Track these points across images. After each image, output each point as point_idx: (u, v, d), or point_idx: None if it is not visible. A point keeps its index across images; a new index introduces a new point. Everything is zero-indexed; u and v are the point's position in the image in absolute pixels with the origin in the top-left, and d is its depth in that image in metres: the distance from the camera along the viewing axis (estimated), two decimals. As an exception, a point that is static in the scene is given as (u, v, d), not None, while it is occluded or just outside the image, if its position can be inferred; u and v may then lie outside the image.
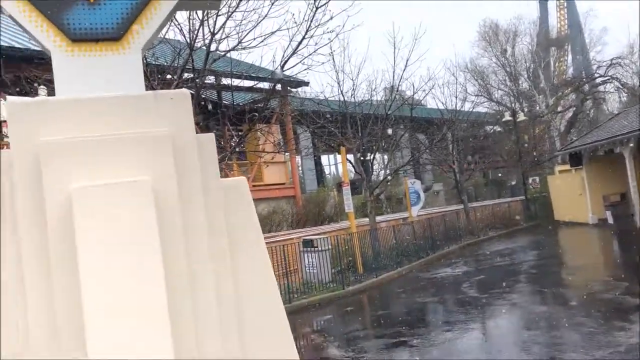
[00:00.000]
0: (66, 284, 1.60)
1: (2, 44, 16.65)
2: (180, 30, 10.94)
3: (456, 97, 26.78)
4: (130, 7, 1.92)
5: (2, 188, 1.68)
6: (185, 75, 11.58)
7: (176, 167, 1.71)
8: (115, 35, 1.89)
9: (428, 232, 20.12)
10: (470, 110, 29.26)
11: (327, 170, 40.50)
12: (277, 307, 1.90)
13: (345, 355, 8.75)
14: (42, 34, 1.83)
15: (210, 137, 1.91)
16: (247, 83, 15.53)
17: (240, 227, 1.86)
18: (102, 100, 1.77)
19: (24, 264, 1.63)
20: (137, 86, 1.89)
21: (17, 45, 16.60)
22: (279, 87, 15.25)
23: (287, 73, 12.48)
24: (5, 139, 15.75)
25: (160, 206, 1.63)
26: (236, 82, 14.49)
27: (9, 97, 1.79)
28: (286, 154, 21.31)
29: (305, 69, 12.54)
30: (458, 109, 26.44)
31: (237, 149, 13.95)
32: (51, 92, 13.09)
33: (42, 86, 12.38)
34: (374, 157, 19.54)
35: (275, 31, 11.47)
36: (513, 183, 37.75)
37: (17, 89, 11.75)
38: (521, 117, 33.03)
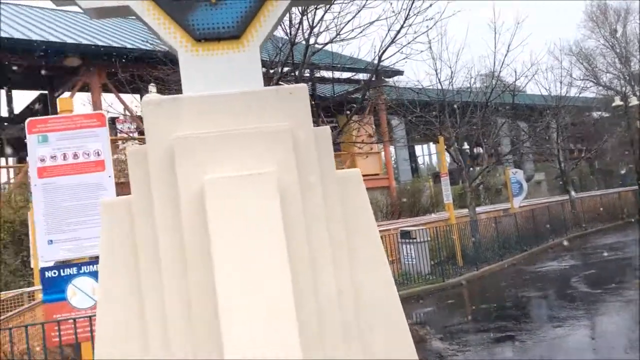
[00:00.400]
0: (200, 273, 1.68)
1: (115, 45, 17.79)
2: (281, 24, 11.15)
3: (561, 83, 25.43)
4: (249, 5, 1.98)
5: (138, 180, 1.79)
6: (284, 69, 11.82)
7: (296, 159, 1.75)
8: (235, 34, 1.95)
9: (531, 224, 19.33)
10: (576, 95, 27.67)
11: (421, 161, 39.84)
12: (393, 298, 1.89)
13: (449, 348, 8.60)
14: (169, 35, 1.93)
15: (326, 130, 1.94)
16: (339, 75, 15.58)
17: (355, 217, 1.87)
18: (228, 97, 1.84)
19: (160, 252, 1.73)
20: (256, 82, 1.95)
21: (128, 46, 17.65)
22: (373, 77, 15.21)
23: (384, 63, 12.38)
24: (120, 134, 16.87)
25: (283, 197, 1.68)
26: (336, 74, 14.58)
27: (145, 96, 1.91)
28: (380, 145, 21.22)
29: (403, 58, 12.37)
30: (563, 94, 25.13)
31: (335, 141, 14.08)
32: (160, 89, 13.84)
33: (151, 84, 13.17)
34: (473, 147, 19.00)
35: (373, 21, 11.41)
36: (623, 172, 35.39)
37: (132, 87, 12.56)
38: (634, 101, 30.80)
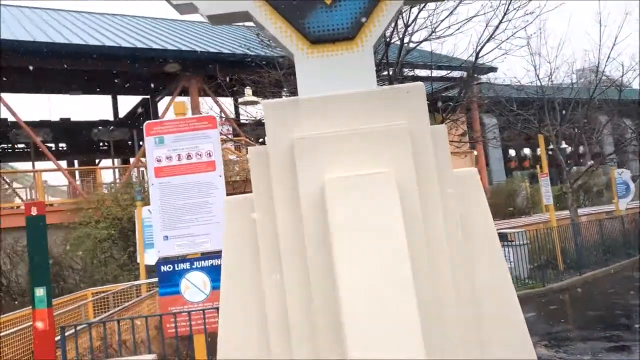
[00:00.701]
0: (321, 272, 1.69)
1: (211, 50, 18.47)
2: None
3: (673, 75, 23.60)
4: (363, 6, 1.98)
5: (259, 179, 1.85)
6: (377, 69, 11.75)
7: (414, 158, 1.74)
8: (349, 35, 1.96)
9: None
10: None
11: (515, 160, 38.38)
12: (511, 298, 1.83)
13: (556, 355, 8.21)
14: (286, 39, 1.97)
15: (442, 129, 1.91)
16: (433, 73, 15.30)
17: (473, 216, 1.83)
18: (344, 97, 1.86)
19: (281, 250, 1.77)
20: (370, 82, 1.95)
21: (224, 52, 18.28)
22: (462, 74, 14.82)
23: (481, 60, 12.05)
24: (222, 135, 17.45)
25: (401, 196, 1.67)
26: (426, 72, 14.37)
27: (264, 100, 1.98)
28: (469, 143, 20.63)
29: (502, 55, 11.96)
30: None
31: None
32: (255, 92, 14.23)
33: (247, 87, 13.59)
34: (576, 145, 18.07)
35: (471, 17, 11.10)
36: None
37: (230, 91, 13.03)
38: None
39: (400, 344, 1.50)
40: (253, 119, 13.71)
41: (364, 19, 1.95)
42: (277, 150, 1.80)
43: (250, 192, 1.92)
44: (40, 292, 4.47)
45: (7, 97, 16.66)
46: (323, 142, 1.74)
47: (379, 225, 1.62)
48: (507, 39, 11.51)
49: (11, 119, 17.70)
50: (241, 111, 19.05)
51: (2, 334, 7.19)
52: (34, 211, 4.59)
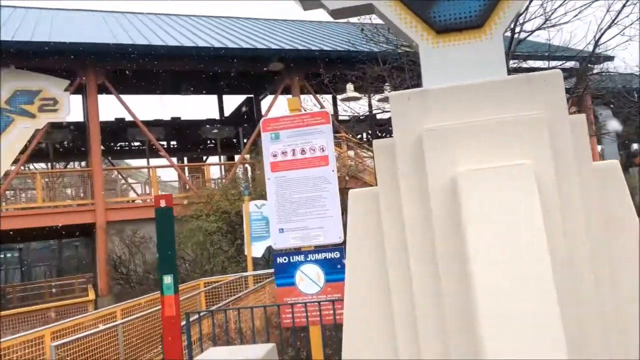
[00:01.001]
0: (452, 269, 1.64)
1: (313, 48, 18.73)
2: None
3: None
4: (493, -8, 1.92)
5: (384, 171, 1.83)
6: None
7: (552, 149, 1.65)
8: (478, 23, 1.90)
9: None
10: None
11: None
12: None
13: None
14: (411, 30, 1.94)
15: (582, 119, 1.80)
16: (544, 64, 14.53)
17: (615, 210, 1.72)
18: (475, 87, 1.80)
19: (408, 245, 1.74)
20: (500, 71, 1.88)
21: (326, 49, 18.48)
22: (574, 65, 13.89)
23: (601, 47, 11.23)
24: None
25: (539, 188, 1.60)
26: (538, 64, 13.67)
27: (392, 92, 1.97)
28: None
29: (625, 41, 11.05)
30: None
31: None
32: (357, 88, 14.25)
33: (349, 83, 13.67)
34: None
35: (591, 2, 10.32)
36: None
37: (333, 87, 13.17)
38: None
39: (539, 343, 1.44)
40: (357, 115, 13.73)
41: (492, 6, 1.89)
42: (404, 142, 1.78)
43: (351, 188, 1.91)
44: (168, 279, 4.75)
45: (125, 98, 17.81)
46: (454, 134, 1.70)
47: (516, 218, 1.56)
48: (631, 24, 10.63)
49: (128, 118, 18.91)
50: (340, 108, 19.17)
51: (127, 319, 7.75)
52: (162, 203, 4.88)
